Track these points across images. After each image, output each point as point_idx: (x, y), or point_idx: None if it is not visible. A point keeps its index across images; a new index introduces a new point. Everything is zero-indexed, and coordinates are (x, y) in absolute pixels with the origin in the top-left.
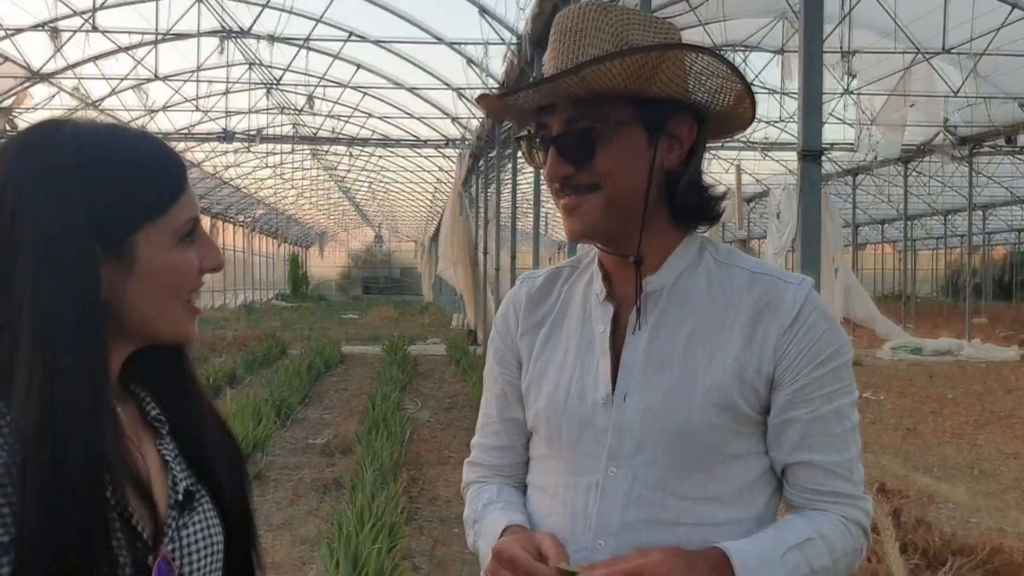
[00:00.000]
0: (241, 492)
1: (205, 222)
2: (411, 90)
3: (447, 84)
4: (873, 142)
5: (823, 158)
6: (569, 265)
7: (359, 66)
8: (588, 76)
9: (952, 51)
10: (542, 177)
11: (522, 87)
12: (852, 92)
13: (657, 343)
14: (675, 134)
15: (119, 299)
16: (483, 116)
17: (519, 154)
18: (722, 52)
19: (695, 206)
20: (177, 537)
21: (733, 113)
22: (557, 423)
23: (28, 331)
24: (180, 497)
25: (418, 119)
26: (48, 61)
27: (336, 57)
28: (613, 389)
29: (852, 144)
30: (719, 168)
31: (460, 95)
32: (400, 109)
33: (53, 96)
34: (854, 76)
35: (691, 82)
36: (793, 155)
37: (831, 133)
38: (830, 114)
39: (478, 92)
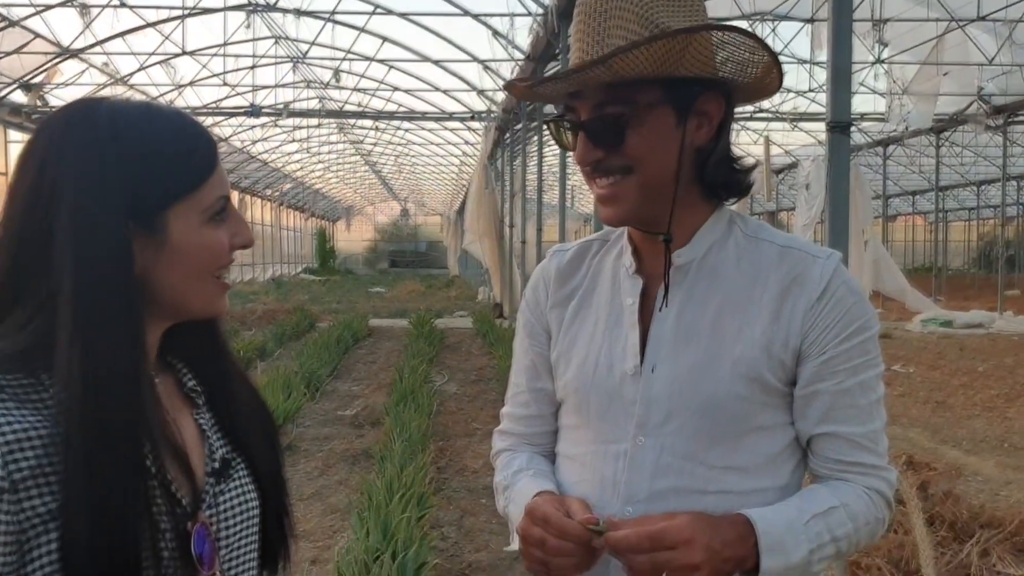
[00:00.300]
0: (274, 461)
1: (234, 197)
2: (437, 63)
3: (473, 57)
4: (904, 112)
5: (852, 129)
6: (599, 239)
7: (385, 39)
8: (615, 65)
9: (987, 18)
10: (568, 152)
11: (549, 78)
12: (883, 61)
13: (686, 316)
14: (704, 111)
15: (151, 275)
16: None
17: (545, 128)
18: (751, 22)
19: (726, 181)
20: (214, 504)
21: (760, 83)
22: (586, 394)
23: (67, 307)
24: (217, 465)
25: (444, 92)
26: (77, 37)
27: (362, 31)
28: (642, 361)
29: (883, 115)
30: (747, 140)
31: (486, 68)
32: (426, 82)
33: (83, 72)
34: (886, 45)
35: (719, 57)
36: (823, 126)
37: (861, 104)
38: (860, 84)
39: (504, 64)
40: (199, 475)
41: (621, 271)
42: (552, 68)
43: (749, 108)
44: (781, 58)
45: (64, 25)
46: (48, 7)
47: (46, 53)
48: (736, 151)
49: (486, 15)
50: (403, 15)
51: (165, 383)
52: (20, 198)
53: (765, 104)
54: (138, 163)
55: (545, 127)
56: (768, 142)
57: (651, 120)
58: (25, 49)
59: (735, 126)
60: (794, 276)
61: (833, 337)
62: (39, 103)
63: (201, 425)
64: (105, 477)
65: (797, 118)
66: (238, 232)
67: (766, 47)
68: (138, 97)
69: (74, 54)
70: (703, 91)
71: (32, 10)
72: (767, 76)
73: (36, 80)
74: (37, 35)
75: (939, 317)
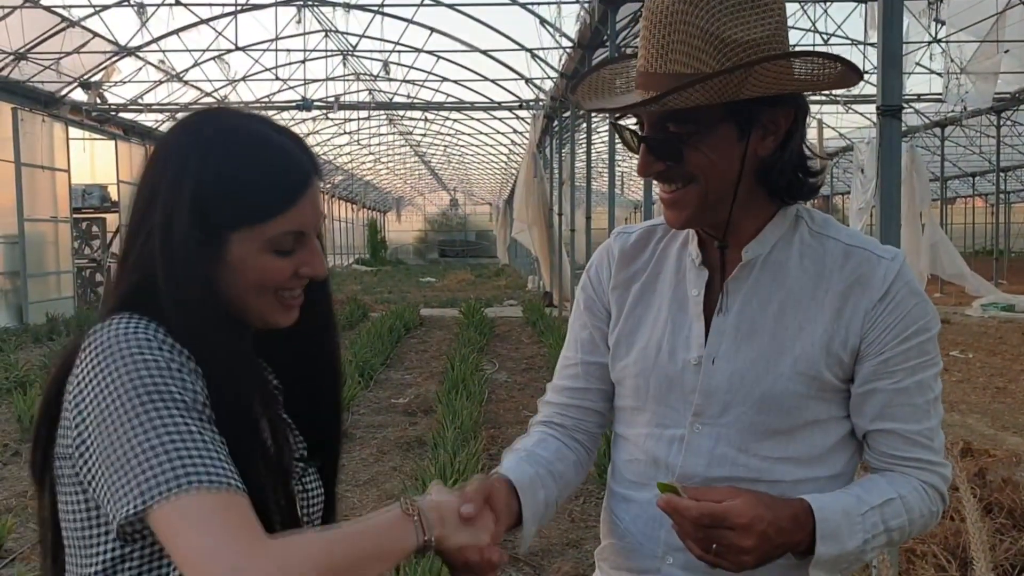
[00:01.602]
0: (335, 461)
1: None
2: (485, 53)
3: (520, 45)
4: (963, 92)
5: (908, 110)
6: (664, 224)
7: (433, 30)
8: (669, 103)
9: None
10: (617, 138)
11: (606, 108)
12: (940, 40)
13: (749, 311)
14: (770, 122)
15: (215, 280)
16: (557, 77)
17: (594, 114)
18: (803, 3)
19: (790, 186)
20: (300, 483)
21: (836, 84)
22: (646, 378)
23: (162, 288)
24: (305, 452)
25: (492, 82)
26: (134, 36)
27: (410, 22)
28: (703, 352)
29: (940, 95)
30: None
31: (533, 56)
32: (474, 72)
33: (139, 69)
34: (943, 23)
35: (795, 71)
36: None
37: (917, 84)
38: (916, 63)
39: (552, 52)
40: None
41: (687, 260)
42: (600, 55)
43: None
44: (834, 39)
45: (121, 24)
46: (106, 7)
47: (104, 52)
48: (807, 150)
49: (533, 3)
50: (451, 5)
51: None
52: (139, 191)
53: None
54: (213, 181)
55: (615, 131)
56: (821, 125)
57: (712, 138)
58: (84, 48)
59: None
60: (857, 276)
61: (893, 338)
62: (98, 101)
63: (285, 418)
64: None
65: (851, 100)
66: (308, 263)
67: (835, 58)
68: (191, 94)
69: (131, 52)
70: (768, 107)
71: (91, 10)
72: (843, 80)
73: (95, 78)
74: (96, 34)
75: (1000, 301)
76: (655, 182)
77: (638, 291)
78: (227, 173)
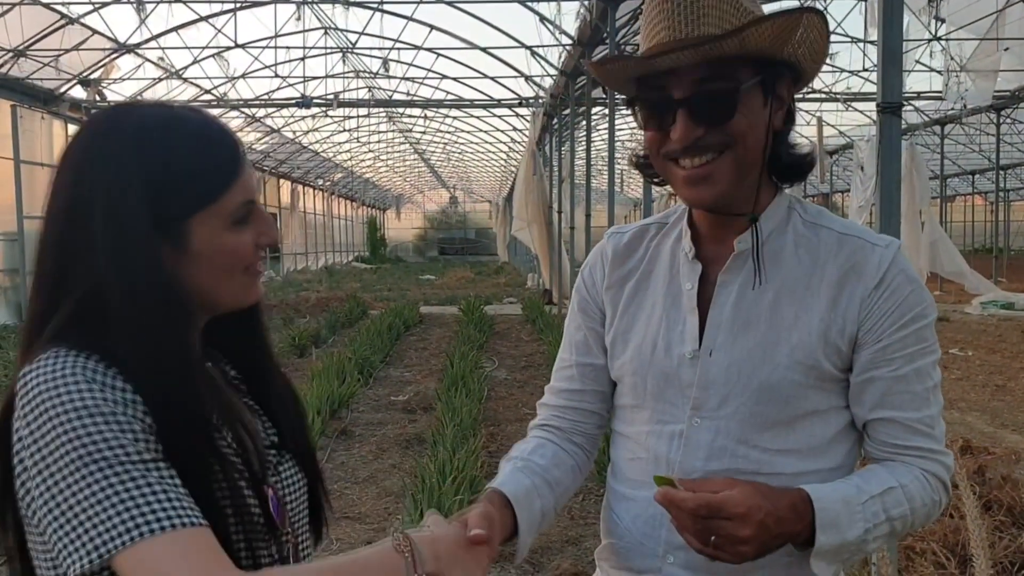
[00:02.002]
0: (306, 440)
1: (286, 188)
2: (484, 50)
3: (520, 43)
4: (962, 90)
5: (908, 108)
6: (656, 222)
7: (432, 27)
8: (748, 37)
9: None
10: (616, 135)
11: (672, 49)
12: (940, 38)
13: (744, 301)
14: (781, 95)
15: (180, 276)
16: (556, 74)
17: (594, 112)
18: (803, 0)
19: (793, 164)
20: (276, 473)
21: (815, 71)
22: (643, 375)
23: (113, 307)
24: (275, 439)
25: (491, 79)
26: (133, 33)
27: (409, 19)
28: (699, 345)
29: (940, 93)
30: (800, 120)
31: (533, 54)
32: (473, 70)
33: (138, 66)
34: (943, 21)
35: (808, 44)
36: None
37: (917, 82)
38: (916, 61)
39: (551, 50)
40: (260, 448)
41: (680, 255)
42: (600, 52)
43: (802, 88)
44: (834, 37)
45: (120, 21)
46: (105, 3)
47: (103, 49)
48: (804, 146)
49: (533, 0)
50: (450, 3)
51: (212, 372)
52: (61, 199)
53: (818, 84)
54: (160, 175)
55: (633, 110)
56: (821, 123)
57: (748, 99)
58: (83, 46)
59: None
60: (852, 264)
61: (890, 325)
62: (98, 98)
63: (251, 406)
64: (180, 447)
65: (851, 98)
66: (263, 232)
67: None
68: (191, 91)
69: (130, 49)
70: (786, 74)
71: (90, 7)
72: (821, 63)
73: (94, 76)
74: (95, 31)
75: (1000, 299)
76: (671, 166)
77: (632, 289)
78: (175, 161)
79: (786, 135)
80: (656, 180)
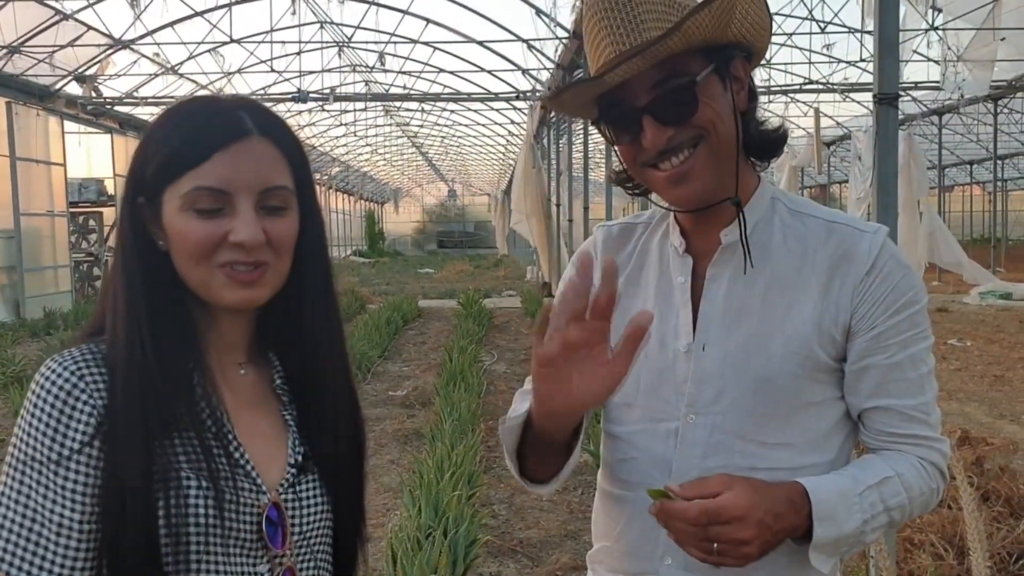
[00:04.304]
0: (355, 467)
1: None
2: (481, 43)
3: (516, 36)
4: (960, 80)
5: (906, 98)
6: (642, 222)
7: (428, 21)
8: (689, 29)
9: None
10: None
11: (621, 62)
12: (937, 28)
13: (735, 294)
14: (737, 75)
15: (161, 254)
16: (553, 67)
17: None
18: None
19: (765, 140)
20: (292, 491)
21: (762, 50)
22: (636, 372)
23: (114, 283)
24: (300, 458)
25: (488, 73)
26: (128, 28)
27: (406, 13)
28: (692, 339)
29: (937, 83)
30: (797, 112)
31: (529, 47)
32: (470, 63)
33: (134, 62)
34: (939, 11)
35: (750, 20)
36: None
37: (915, 72)
38: (914, 51)
39: (547, 43)
40: (280, 463)
41: (669, 250)
42: None
43: (799, 80)
44: (831, 27)
45: (115, 17)
46: None
47: (99, 45)
48: (774, 120)
49: None
50: None
51: (259, 375)
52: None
53: (815, 75)
54: (147, 145)
55: (601, 132)
56: (818, 114)
57: (707, 88)
58: (79, 42)
59: (784, 98)
60: (842, 252)
61: (883, 312)
62: (93, 94)
63: (287, 420)
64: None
65: (848, 89)
66: (234, 229)
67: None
68: (187, 87)
69: (125, 45)
70: (737, 55)
71: (84, 2)
72: (765, 40)
73: (90, 72)
74: (89, 27)
75: (998, 289)
76: (651, 173)
77: (622, 284)
78: (158, 136)
79: (752, 113)
80: (638, 192)
